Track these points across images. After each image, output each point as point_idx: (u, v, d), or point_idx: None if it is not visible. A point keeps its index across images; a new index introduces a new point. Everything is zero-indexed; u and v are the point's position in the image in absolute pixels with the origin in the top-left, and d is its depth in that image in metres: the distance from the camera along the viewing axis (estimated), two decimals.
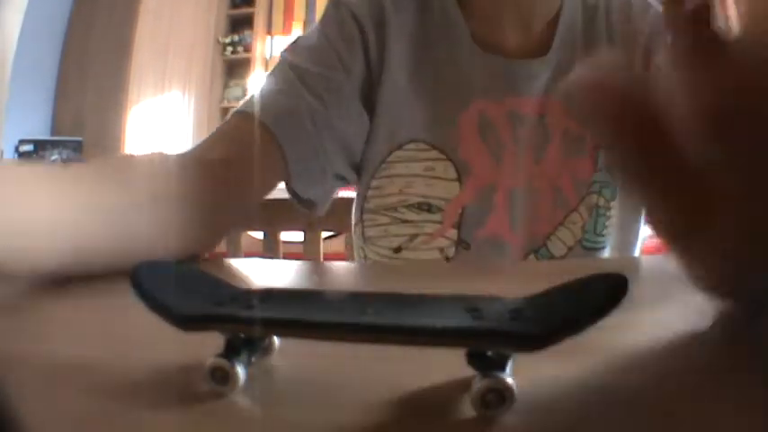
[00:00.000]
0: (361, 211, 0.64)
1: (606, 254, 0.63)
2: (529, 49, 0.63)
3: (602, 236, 0.62)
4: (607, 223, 0.62)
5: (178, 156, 0.51)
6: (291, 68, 0.58)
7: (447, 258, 0.61)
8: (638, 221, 0.65)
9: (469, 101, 0.61)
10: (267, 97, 0.56)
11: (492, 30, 0.63)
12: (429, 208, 0.61)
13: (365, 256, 0.65)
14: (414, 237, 0.61)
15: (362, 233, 0.65)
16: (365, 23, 0.61)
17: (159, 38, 3.86)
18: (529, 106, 0.62)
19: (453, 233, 0.61)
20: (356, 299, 0.20)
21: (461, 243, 0.61)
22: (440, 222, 0.61)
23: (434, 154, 0.61)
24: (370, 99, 0.62)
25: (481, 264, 0.56)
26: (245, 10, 4.00)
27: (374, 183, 0.62)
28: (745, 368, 0.19)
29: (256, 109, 0.55)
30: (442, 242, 0.61)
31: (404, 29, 0.62)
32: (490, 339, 0.16)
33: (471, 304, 0.18)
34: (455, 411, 0.17)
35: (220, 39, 4.00)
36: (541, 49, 0.63)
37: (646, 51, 0.62)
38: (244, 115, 0.55)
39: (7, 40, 2.68)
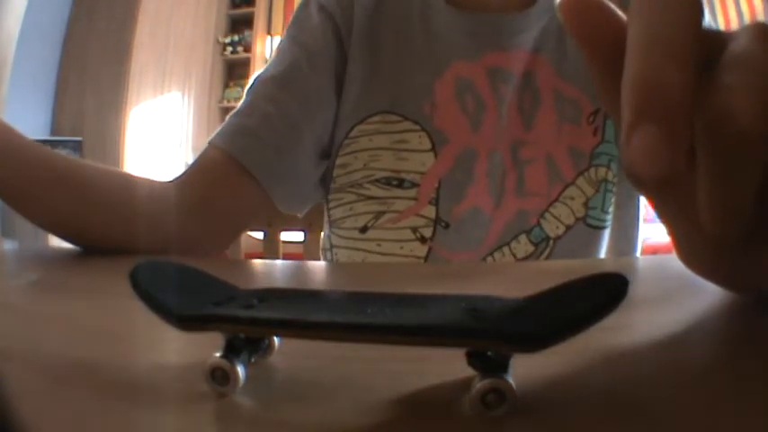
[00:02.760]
0: (328, 192, 0.61)
1: (606, 234, 0.59)
2: (513, 2, 0.59)
3: (608, 213, 0.58)
4: (613, 200, 0.58)
5: (166, 183, 0.54)
6: (261, 90, 0.58)
7: (423, 239, 0.56)
8: (635, 199, 0.61)
9: (446, 66, 0.58)
10: (240, 128, 0.56)
11: None
12: (400, 183, 0.57)
13: (331, 247, 0.62)
14: (380, 214, 0.57)
15: (329, 217, 0.62)
16: (332, 8, 0.60)
17: (159, 38, 3.86)
18: (514, 62, 0.58)
19: (430, 210, 0.57)
20: (356, 299, 0.20)
21: (440, 222, 0.56)
22: (414, 198, 0.57)
23: (407, 125, 0.57)
24: (342, 78, 0.60)
25: (481, 263, 0.56)
26: (245, 10, 4.00)
27: (339, 161, 0.59)
28: (745, 368, 0.19)
29: (227, 141, 0.55)
30: (417, 221, 0.57)
31: (371, 1, 0.60)
32: (490, 339, 0.16)
33: (471, 304, 0.18)
34: (455, 412, 0.17)
35: (220, 39, 4.00)
36: (526, 2, 0.59)
37: None
38: (217, 150, 0.55)
39: (7, 41, 2.68)
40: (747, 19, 2.80)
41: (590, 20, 0.21)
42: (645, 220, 0.63)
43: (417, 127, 0.57)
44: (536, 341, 0.16)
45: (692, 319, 0.25)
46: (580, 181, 0.56)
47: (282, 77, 0.57)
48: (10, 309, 0.29)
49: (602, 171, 0.57)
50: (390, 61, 0.59)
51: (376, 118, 0.58)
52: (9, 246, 0.52)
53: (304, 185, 0.60)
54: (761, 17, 2.75)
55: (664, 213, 0.25)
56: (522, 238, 0.57)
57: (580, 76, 0.58)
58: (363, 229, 0.58)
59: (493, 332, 0.16)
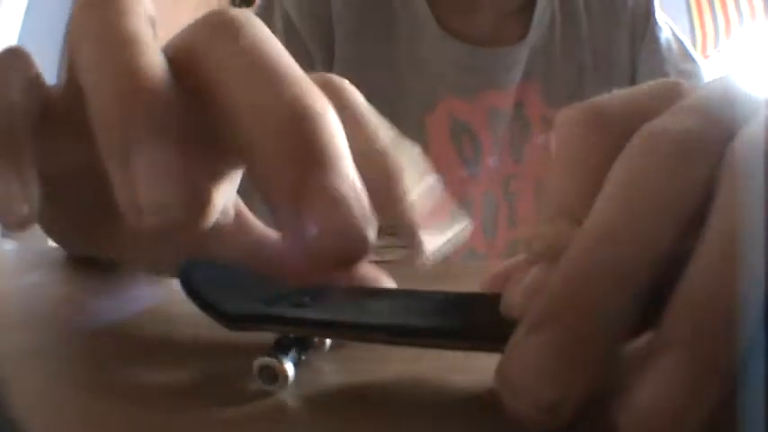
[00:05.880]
0: None
1: None
2: (506, 34, 0.57)
3: None
4: None
5: None
6: None
7: None
8: None
9: (436, 99, 0.55)
10: None
11: (463, 13, 0.56)
12: (394, 232, 0.54)
13: None
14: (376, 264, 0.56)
15: None
16: (304, 29, 0.55)
17: (159, 38, 3.85)
18: (508, 98, 0.56)
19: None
20: (414, 297, 0.19)
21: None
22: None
23: None
24: None
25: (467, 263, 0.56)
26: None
27: None
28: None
29: None
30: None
31: (355, 24, 0.55)
32: None
33: None
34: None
35: None
36: (520, 31, 0.57)
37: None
38: None
39: (7, 41, 2.68)
40: (747, 19, 2.80)
41: None
42: None
43: None
44: None
45: None
46: None
47: None
48: (10, 309, 0.29)
49: None
50: (378, 92, 0.55)
51: None
52: (9, 246, 0.52)
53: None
54: (761, 17, 2.75)
55: None
56: None
57: (568, 99, 0.57)
58: None
59: None
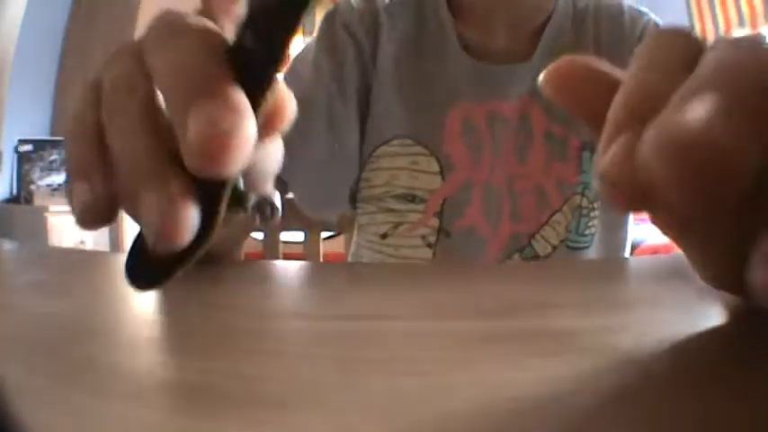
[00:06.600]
0: (355, 200, 0.71)
1: (591, 253, 0.67)
2: (515, 54, 0.67)
3: (585, 236, 0.66)
4: (590, 224, 0.66)
5: None
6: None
7: (429, 245, 0.67)
8: (624, 221, 0.70)
9: (455, 103, 0.67)
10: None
11: (481, 35, 0.68)
12: (413, 198, 0.67)
13: (357, 249, 0.73)
14: (398, 225, 0.68)
15: (357, 220, 0.71)
16: (357, 32, 0.68)
17: None
18: (510, 109, 0.66)
19: (435, 221, 0.67)
20: None
21: (442, 231, 0.67)
22: (423, 212, 0.67)
23: (419, 149, 0.67)
24: (365, 100, 0.69)
25: (469, 262, 0.57)
26: None
27: (364, 175, 0.69)
28: (742, 367, 0.19)
29: None
30: (425, 230, 0.67)
31: (396, 34, 0.69)
32: None
33: None
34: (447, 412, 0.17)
35: None
36: (528, 54, 0.67)
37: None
38: None
39: (7, 40, 2.68)
40: (747, 19, 2.80)
41: (576, 91, 0.22)
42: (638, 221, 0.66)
43: (427, 152, 0.67)
44: None
45: (689, 319, 0.25)
46: (565, 208, 0.65)
47: (314, 105, 0.65)
48: (10, 309, 0.30)
49: (577, 198, 0.66)
50: (410, 93, 0.68)
51: (395, 142, 0.68)
52: (9, 246, 0.52)
53: (335, 201, 0.72)
54: (761, 17, 2.75)
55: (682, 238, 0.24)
56: (516, 256, 0.67)
57: (571, 117, 0.61)
58: (384, 236, 0.69)
59: None
